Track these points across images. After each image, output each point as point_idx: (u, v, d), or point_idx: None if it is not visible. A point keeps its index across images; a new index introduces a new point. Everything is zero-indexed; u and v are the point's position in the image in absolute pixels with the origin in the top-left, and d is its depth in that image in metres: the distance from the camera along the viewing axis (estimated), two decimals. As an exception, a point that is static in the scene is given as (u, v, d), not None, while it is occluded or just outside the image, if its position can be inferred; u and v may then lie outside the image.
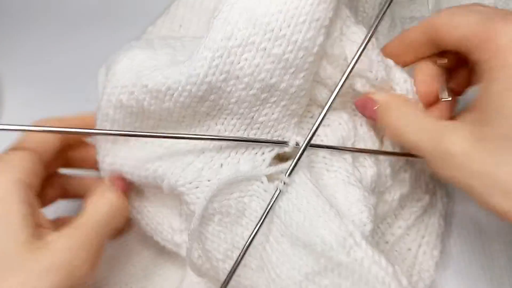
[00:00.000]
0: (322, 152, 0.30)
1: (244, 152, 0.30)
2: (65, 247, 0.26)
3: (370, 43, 0.28)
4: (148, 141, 0.31)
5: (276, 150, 0.30)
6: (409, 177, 0.33)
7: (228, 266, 0.30)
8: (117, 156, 0.32)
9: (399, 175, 0.33)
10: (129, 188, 0.33)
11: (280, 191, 0.28)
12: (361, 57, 0.28)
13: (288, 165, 0.29)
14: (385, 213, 0.33)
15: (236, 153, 0.30)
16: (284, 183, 0.28)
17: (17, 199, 0.26)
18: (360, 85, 0.29)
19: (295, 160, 0.28)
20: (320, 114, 0.28)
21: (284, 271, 0.28)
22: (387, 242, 0.34)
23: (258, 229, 0.28)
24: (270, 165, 0.30)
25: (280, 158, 0.31)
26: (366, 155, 0.31)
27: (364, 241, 0.27)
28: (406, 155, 0.31)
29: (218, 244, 0.30)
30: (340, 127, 0.30)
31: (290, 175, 0.29)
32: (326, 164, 0.30)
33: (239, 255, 0.28)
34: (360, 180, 0.30)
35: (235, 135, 0.30)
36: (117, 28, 0.47)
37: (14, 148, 0.30)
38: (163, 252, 0.36)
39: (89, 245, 0.27)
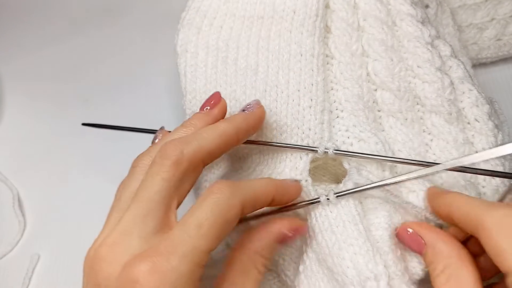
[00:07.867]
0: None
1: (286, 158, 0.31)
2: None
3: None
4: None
5: (310, 155, 0.30)
6: None
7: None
8: None
9: None
10: None
11: (319, 201, 0.27)
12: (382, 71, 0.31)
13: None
14: None
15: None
16: (328, 198, 0.27)
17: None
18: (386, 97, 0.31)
19: (351, 189, 0.28)
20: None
21: (305, 286, 0.27)
22: None
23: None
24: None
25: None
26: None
27: None
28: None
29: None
30: None
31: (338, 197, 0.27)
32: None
33: None
34: None
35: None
36: (118, 28, 0.47)
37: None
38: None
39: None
